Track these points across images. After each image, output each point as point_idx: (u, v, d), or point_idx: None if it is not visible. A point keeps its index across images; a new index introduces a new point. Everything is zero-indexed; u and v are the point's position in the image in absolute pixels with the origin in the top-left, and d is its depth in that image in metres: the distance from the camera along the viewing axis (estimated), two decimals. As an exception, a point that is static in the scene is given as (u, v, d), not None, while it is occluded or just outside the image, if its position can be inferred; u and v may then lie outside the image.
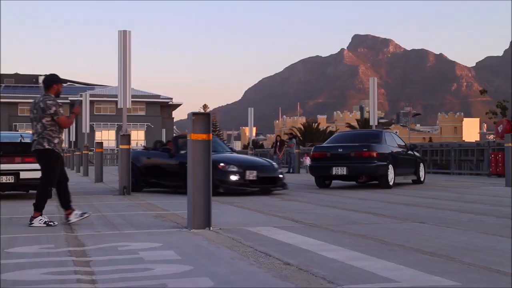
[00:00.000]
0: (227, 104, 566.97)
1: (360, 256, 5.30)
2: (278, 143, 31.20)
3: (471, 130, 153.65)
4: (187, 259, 5.16)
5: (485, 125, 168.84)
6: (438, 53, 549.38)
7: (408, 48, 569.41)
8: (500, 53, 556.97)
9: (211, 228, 7.09)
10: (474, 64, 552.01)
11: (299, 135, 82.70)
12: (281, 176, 13.85)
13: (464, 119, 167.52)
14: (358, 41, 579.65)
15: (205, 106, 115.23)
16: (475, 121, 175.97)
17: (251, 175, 13.10)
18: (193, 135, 7.19)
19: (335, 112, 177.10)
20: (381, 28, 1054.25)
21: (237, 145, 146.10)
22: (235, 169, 13.04)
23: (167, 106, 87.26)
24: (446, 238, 6.39)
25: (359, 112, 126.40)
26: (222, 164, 12.95)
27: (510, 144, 16.13)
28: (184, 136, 16.16)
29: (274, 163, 14.17)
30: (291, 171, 29.14)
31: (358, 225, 7.66)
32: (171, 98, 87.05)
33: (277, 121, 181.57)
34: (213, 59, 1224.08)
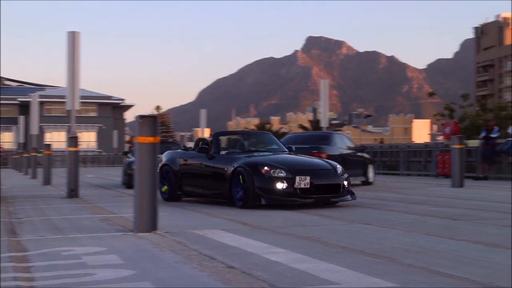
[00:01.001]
0: (181, 105, 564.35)
1: (304, 258, 5.34)
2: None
3: (421, 131, 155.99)
4: (130, 264, 5.13)
5: (435, 126, 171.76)
6: (390, 55, 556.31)
7: (361, 50, 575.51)
8: (450, 56, 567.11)
9: (157, 232, 7.06)
10: (425, 67, 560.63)
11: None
12: (345, 182, 10.70)
13: (415, 120, 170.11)
14: (312, 42, 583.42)
15: (158, 107, 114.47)
16: (426, 123, 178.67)
17: (302, 182, 10.21)
18: (140, 138, 7.16)
19: (288, 113, 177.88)
20: (334, 30, 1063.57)
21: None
22: (282, 174, 10.21)
23: (119, 107, 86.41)
24: (390, 240, 6.49)
25: (312, 113, 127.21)
26: (266, 168, 10.28)
27: (456, 146, 16.45)
28: (228, 132, 14.08)
29: (337, 165, 11.01)
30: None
31: (304, 227, 7.71)
32: (123, 99, 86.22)
33: (230, 122, 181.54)
34: (167, 59, 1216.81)
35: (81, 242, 6.52)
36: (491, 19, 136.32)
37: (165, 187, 12.23)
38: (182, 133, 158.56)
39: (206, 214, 9.60)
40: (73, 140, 13.89)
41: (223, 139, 12.42)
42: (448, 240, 6.39)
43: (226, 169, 10.78)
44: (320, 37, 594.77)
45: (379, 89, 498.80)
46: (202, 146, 11.65)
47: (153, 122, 7.20)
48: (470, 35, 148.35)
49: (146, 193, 7.06)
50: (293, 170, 10.32)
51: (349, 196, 10.73)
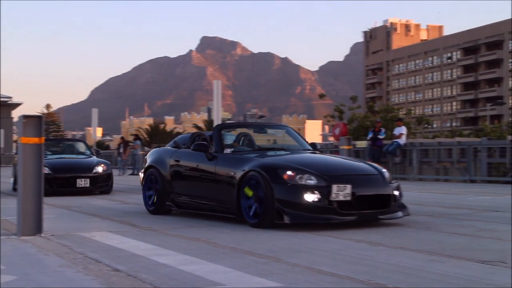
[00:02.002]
0: (73, 104, 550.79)
1: (192, 260, 5.35)
2: (122, 145, 30.86)
3: (313, 132, 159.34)
4: (12, 269, 4.97)
5: (327, 127, 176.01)
6: (283, 56, 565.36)
7: (255, 51, 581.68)
8: (341, 58, 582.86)
9: (42, 235, 6.87)
10: (317, 68, 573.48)
11: (146, 136, 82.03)
12: (396, 193, 7.95)
13: (307, 121, 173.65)
14: (206, 42, 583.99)
15: (48, 106, 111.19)
16: (318, 123, 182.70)
17: (341, 192, 7.38)
18: (23, 138, 6.94)
19: (182, 113, 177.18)
20: (229, 30, 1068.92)
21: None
22: (312, 181, 7.44)
23: (6, 106, 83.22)
24: (277, 240, 6.59)
25: (207, 113, 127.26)
26: (289, 173, 7.51)
27: (345, 147, 16.93)
28: (233, 124, 11.36)
29: (383, 170, 8.24)
30: (135, 172, 28.88)
31: (194, 228, 7.71)
32: (11, 97, 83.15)
33: (124, 121, 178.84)
34: (57, 57, 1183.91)
35: (-40, 247, 6.25)
36: (379, 23, 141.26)
37: (152, 197, 9.70)
38: (74, 133, 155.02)
39: (94, 215, 9.42)
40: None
41: (227, 134, 9.64)
42: (333, 239, 6.56)
43: (233, 173, 8.09)
44: (215, 37, 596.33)
45: (273, 90, 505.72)
46: (200, 142, 8.88)
47: (38, 122, 7.00)
48: (360, 39, 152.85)
49: (30, 195, 6.86)
50: (328, 176, 7.54)
51: (400, 212, 7.92)
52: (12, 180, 16.22)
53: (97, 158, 15.94)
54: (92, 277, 4.63)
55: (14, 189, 15.41)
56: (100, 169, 14.70)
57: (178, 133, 74.94)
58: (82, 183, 14.33)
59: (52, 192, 13.61)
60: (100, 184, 14.59)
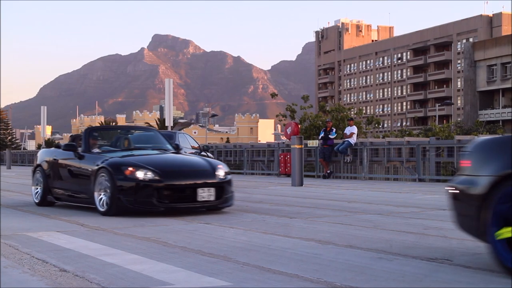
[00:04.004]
0: (21, 101, 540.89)
1: (141, 259, 5.32)
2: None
3: (266, 131, 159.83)
4: (-45, 270, 4.85)
5: (279, 126, 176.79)
6: (236, 55, 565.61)
7: (208, 50, 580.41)
8: (294, 58, 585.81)
9: (-13, 235, 6.72)
10: (269, 68, 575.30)
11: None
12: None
13: (260, 120, 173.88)
14: (158, 40, 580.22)
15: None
16: (270, 122, 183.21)
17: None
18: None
19: (134, 112, 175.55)
20: (181, 28, 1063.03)
21: (31, 145, 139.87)
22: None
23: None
24: (227, 239, 6.60)
25: (159, 112, 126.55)
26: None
27: (296, 146, 17.02)
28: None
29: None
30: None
31: (143, 227, 7.65)
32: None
33: (74, 120, 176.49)
34: (5, 53, 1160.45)
35: None
36: (331, 23, 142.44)
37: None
38: (22, 131, 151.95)
39: (42, 215, 9.27)
40: None
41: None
42: (283, 238, 6.60)
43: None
44: (167, 35, 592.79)
45: (225, 88, 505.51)
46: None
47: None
48: (312, 38, 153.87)
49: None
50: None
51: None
52: (37, 190, 10.98)
53: (209, 158, 11.66)
54: (38, 277, 4.56)
55: (42, 202, 10.75)
56: (221, 172, 9.59)
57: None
58: (205, 195, 9.15)
59: (162, 209, 8.89)
60: (225, 195, 9.52)
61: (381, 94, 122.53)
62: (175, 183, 9.03)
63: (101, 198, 9.09)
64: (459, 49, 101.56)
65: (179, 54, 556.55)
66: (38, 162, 11.07)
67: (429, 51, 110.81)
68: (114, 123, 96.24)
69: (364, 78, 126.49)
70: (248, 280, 4.48)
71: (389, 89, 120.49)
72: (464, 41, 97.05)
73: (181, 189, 9.10)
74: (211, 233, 7.04)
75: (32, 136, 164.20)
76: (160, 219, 8.46)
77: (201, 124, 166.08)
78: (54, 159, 10.58)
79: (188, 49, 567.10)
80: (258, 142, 63.03)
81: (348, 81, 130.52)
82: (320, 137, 22.99)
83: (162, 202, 8.83)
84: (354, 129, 22.68)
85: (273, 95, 41.01)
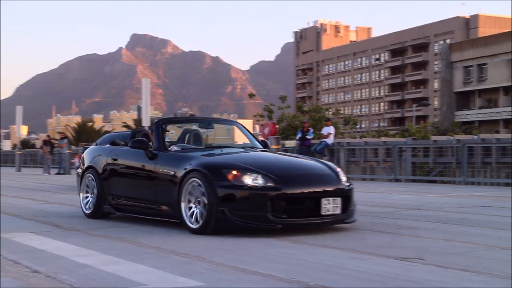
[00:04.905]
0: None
1: (115, 260, 5.29)
2: (47, 143, 30.31)
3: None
4: None
5: (257, 126, 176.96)
6: (214, 55, 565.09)
7: (186, 50, 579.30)
8: (272, 58, 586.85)
9: (-41, 236, 6.65)
10: (248, 68, 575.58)
11: (73, 134, 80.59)
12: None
13: (238, 120, 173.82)
14: (136, 40, 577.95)
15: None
16: (248, 123, 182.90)
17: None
18: None
19: (112, 112, 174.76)
20: (160, 28, 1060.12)
21: (7, 145, 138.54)
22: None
23: None
24: (201, 239, 6.57)
25: (136, 112, 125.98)
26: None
27: (273, 146, 17.04)
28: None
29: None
30: (61, 172, 28.36)
31: (118, 228, 7.62)
32: None
33: (50, 119, 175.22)
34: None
35: None
36: (310, 24, 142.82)
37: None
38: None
39: (15, 216, 9.18)
40: None
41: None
42: (256, 239, 6.59)
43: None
44: (145, 35, 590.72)
45: (203, 88, 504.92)
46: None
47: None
48: (291, 39, 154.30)
49: None
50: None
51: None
52: (88, 198, 8.89)
53: (323, 160, 10.24)
54: (9, 279, 4.52)
55: (96, 213, 8.66)
56: (344, 178, 7.63)
57: (108, 132, 73.95)
58: (330, 207, 7.01)
59: (280, 226, 6.74)
60: (351, 207, 7.41)
61: (359, 94, 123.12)
62: (295, 191, 6.83)
63: (192, 211, 6.99)
64: (436, 50, 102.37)
65: (157, 54, 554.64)
66: (87, 164, 8.96)
67: (406, 52, 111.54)
68: (91, 123, 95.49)
69: (342, 78, 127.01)
70: (222, 280, 4.48)
71: (367, 90, 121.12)
72: (441, 42, 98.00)
73: (299, 200, 6.89)
74: (186, 234, 7.01)
75: (7, 136, 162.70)
76: (134, 220, 8.42)
77: (178, 125, 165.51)
78: (114, 159, 8.46)
79: (166, 49, 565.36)
80: (235, 143, 62.95)
81: (326, 81, 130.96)
82: (297, 138, 23.04)
83: (279, 217, 6.67)
84: (332, 129, 22.76)
85: (251, 95, 41.12)
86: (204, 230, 6.77)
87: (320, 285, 4.29)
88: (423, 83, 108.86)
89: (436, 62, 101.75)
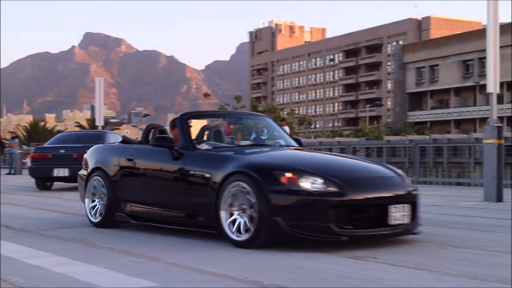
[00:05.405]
0: None
1: (66, 261, 5.22)
2: (-1, 143, 29.74)
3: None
4: None
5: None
6: (169, 55, 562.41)
7: (140, 49, 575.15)
8: (228, 58, 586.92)
9: None
10: (203, 68, 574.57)
11: (25, 134, 79.25)
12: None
13: (193, 120, 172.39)
14: (90, 38, 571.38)
15: None
16: (203, 123, 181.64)
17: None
18: None
19: (64, 111, 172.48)
20: (113, 27, 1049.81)
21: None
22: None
23: None
24: (155, 239, 6.53)
25: (90, 111, 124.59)
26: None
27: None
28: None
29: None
30: (12, 172, 27.87)
31: (71, 228, 7.51)
32: None
33: (1, 119, 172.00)
34: None
35: None
36: (266, 24, 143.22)
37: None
38: None
39: (-35, 217, 8.98)
40: None
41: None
42: (212, 239, 6.57)
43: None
44: (99, 34, 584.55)
45: (158, 88, 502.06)
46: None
47: None
48: (246, 39, 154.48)
49: None
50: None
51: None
52: (96, 204, 7.76)
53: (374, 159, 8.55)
54: (-43, 281, 4.42)
55: (106, 222, 7.54)
56: (409, 182, 6.58)
57: (60, 131, 72.83)
58: (399, 215, 6.00)
59: (346, 239, 5.72)
60: (418, 216, 6.45)
61: (313, 95, 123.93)
62: (362, 197, 5.83)
63: (235, 221, 5.97)
64: (389, 52, 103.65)
65: (111, 53, 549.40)
66: (94, 165, 7.81)
67: (360, 53, 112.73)
68: (43, 123, 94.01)
69: (297, 79, 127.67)
70: (176, 280, 4.46)
71: (322, 90, 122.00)
72: (394, 43, 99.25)
73: (365, 207, 5.89)
74: (139, 234, 6.96)
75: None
76: (87, 220, 8.30)
77: (133, 124, 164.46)
78: (128, 160, 7.35)
79: (120, 48, 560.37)
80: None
81: (281, 81, 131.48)
82: (251, 138, 23.03)
83: (344, 227, 5.66)
84: (286, 129, 22.83)
85: (206, 95, 41.09)
86: (252, 243, 5.77)
87: (275, 285, 4.29)
88: (376, 83, 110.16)
89: (389, 63, 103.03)
